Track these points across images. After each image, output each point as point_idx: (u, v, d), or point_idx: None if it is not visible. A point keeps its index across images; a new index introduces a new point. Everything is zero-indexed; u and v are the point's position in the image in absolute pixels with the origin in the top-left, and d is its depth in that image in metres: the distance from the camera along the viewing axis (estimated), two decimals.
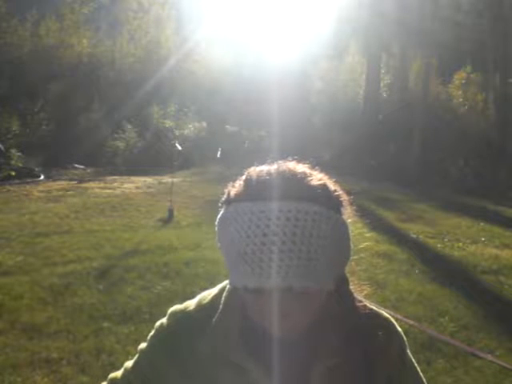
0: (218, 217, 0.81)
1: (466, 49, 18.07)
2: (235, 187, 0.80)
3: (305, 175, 0.79)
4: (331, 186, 0.81)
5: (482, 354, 3.33)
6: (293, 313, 0.76)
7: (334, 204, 0.79)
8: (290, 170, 0.79)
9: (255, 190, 0.77)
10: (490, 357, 3.34)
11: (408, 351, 0.94)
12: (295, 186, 0.76)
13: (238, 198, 0.78)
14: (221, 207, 0.82)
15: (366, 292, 0.91)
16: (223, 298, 0.89)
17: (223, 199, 0.81)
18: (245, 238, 0.73)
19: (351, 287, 0.90)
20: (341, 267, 0.83)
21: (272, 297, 0.74)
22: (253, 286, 0.73)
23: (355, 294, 0.89)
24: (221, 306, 0.88)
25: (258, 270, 0.71)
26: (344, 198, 0.82)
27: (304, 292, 0.74)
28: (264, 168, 0.81)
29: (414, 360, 0.96)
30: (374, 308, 0.93)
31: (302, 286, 0.72)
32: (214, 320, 0.86)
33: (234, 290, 0.86)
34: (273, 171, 0.79)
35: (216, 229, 0.81)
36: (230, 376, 0.84)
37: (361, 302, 0.89)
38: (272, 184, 0.76)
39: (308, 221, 0.73)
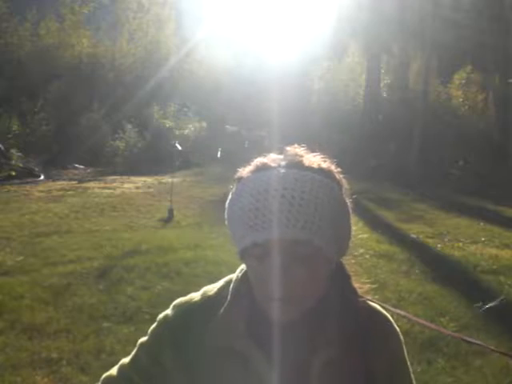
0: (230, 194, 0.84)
1: (466, 49, 18.03)
2: (245, 169, 0.85)
3: (311, 156, 0.85)
4: (335, 169, 0.86)
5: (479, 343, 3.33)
6: (297, 277, 0.77)
7: (338, 183, 0.84)
8: (297, 152, 0.85)
9: (265, 165, 0.82)
10: (484, 344, 3.31)
11: (404, 351, 0.94)
12: (302, 160, 0.82)
13: (249, 172, 0.83)
14: (232, 186, 0.85)
15: (366, 289, 0.91)
16: (231, 289, 0.88)
17: (234, 178, 0.85)
18: (256, 194, 0.78)
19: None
20: (342, 243, 0.84)
21: (278, 255, 0.76)
22: (262, 239, 0.75)
23: (357, 290, 0.90)
24: (229, 296, 0.87)
25: (268, 222, 0.75)
26: (345, 185, 0.86)
27: (308, 254, 0.76)
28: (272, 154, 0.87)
29: (407, 360, 0.95)
30: (375, 305, 0.92)
31: (308, 238, 0.75)
32: (221, 310, 0.86)
33: (241, 280, 0.87)
34: (281, 155, 0.85)
35: (226, 205, 0.84)
36: (234, 367, 0.84)
37: (362, 297, 0.90)
38: (281, 159, 0.83)
39: (315, 185, 0.78)
